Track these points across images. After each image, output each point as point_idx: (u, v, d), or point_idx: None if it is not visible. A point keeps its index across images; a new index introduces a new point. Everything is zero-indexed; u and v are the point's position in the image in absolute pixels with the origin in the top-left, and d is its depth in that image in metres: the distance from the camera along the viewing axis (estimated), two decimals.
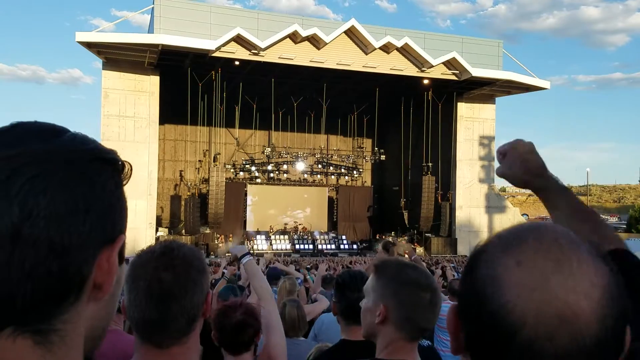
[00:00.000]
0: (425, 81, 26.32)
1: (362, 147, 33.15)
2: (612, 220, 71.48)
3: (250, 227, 29.27)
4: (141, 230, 23.02)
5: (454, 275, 7.79)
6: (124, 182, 0.58)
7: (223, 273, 6.26)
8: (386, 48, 24.97)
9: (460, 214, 28.20)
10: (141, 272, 1.13)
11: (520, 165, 1.16)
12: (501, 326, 0.55)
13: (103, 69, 23.88)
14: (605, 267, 0.56)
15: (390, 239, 28.10)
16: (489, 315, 0.56)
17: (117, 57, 22.96)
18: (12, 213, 0.47)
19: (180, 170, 30.01)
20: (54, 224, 0.48)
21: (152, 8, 23.09)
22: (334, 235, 30.21)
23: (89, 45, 21.79)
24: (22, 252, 0.47)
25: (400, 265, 1.58)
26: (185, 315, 1.12)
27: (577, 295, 0.53)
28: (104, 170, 0.54)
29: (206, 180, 26.58)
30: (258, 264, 6.17)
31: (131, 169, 0.59)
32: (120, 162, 0.57)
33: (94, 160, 0.53)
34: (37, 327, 0.49)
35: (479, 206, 28.57)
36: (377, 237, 30.05)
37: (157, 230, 24.79)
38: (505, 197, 39.49)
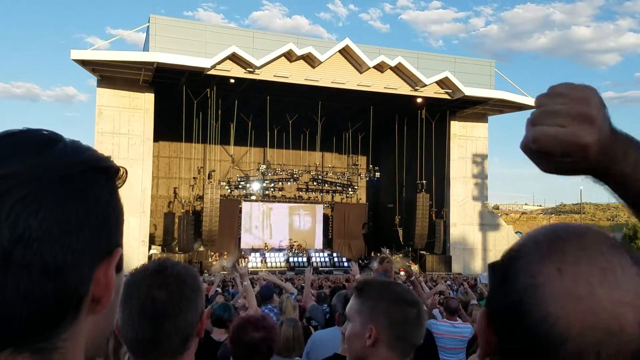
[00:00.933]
0: (419, 100, 26.55)
1: (357, 165, 33.24)
2: None
3: (244, 245, 29.12)
4: (134, 248, 22.85)
5: (449, 294, 7.75)
6: (119, 186, 0.57)
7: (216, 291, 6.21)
8: (380, 67, 25.23)
9: (455, 232, 28.21)
10: (134, 290, 1.11)
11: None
12: (544, 338, 0.51)
13: (98, 87, 23.93)
14: None
15: (387, 251, 28.04)
16: (530, 327, 0.52)
17: (112, 75, 23.04)
18: (3, 236, 0.45)
19: (175, 188, 29.92)
20: (47, 246, 0.46)
21: (148, 26, 23.27)
22: (329, 252, 30.10)
23: (84, 63, 21.86)
24: (15, 276, 0.45)
25: (384, 284, 1.57)
26: (179, 335, 1.10)
27: (624, 307, 0.50)
28: (97, 180, 0.52)
29: (200, 198, 26.50)
30: (254, 286, 6.13)
31: (126, 173, 0.58)
32: (114, 168, 0.56)
33: (87, 171, 0.51)
34: (36, 347, 0.48)
35: (473, 224, 28.60)
36: (372, 255, 29.97)
37: (149, 248, 24.60)
38: (499, 215, 39.61)
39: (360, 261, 29.41)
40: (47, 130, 0.54)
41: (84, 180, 0.51)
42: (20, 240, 0.45)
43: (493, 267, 0.60)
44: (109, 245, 0.53)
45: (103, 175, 0.53)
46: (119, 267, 0.56)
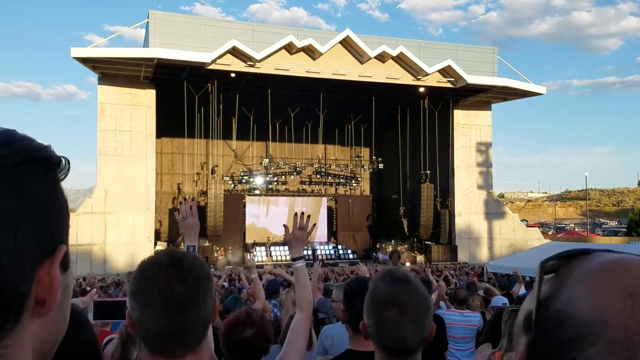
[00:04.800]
0: (421, 89, 26.41)
1: (360, 157, 33.17)
2: (612, 223, 71.53)
3: (249, 239, 29.16)
4: (140, 244, 22.94)
5: (456, 283, 7.72)
6: (61, 178, 0.51)
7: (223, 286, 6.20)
8: (381, 57, 25.08)
9: (460, 221, 28.16)
10: (151, 286, 1.11)
11: None
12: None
13: (99, 84, 23.90)
14: None
15: (391, 247, 28.06)
16: None
17: (112, 72, 23.00)
18: None
19: (178, 183, 29.95)
20: None
21: (147, 22, 23.18)
22: (333, 245, 30.13)
23: (85, 61, 21.82)
24: None
25: (377, 277, 1.49)
26: (201, 324, 1.12)
27: None
28: (34, 173, 0.47)
29: (204, 193, 26.53)
30: (261, 279, 6.12)
31: (69, 163, 0.51)
32: (55, 159, 0.50)
33: (22, 163, 0.47)
34: None
35: (478, 212, 28.55)
36: (378, 246, 29.98)
37: (155, 244, 24.67)
38: (504, 203, 39.51)
39: (374, 254, 29.45)
40: None
41: (18, 173, 0.46)
42: None
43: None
44: (52, 242, 0.49)
45: (42, 167, 0.49)
46: (65, 266, 0.52)
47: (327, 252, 28.97)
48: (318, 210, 31.52)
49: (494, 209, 29.02)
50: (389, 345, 1.39)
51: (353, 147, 32.78)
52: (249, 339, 2.03)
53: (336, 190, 32.77)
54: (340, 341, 3.04)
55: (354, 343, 1.97)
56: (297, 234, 2.39)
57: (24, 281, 0.45)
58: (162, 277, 1.11)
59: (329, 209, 32.19)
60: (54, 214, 0.49)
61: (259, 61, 23.17)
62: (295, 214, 2.50)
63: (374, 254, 29.11)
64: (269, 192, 30.96)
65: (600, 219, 77.37)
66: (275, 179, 30.53)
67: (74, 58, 21.31)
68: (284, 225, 2.45)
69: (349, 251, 29.87)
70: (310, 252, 28.12)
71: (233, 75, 23.73)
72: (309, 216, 2.53)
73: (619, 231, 55.92)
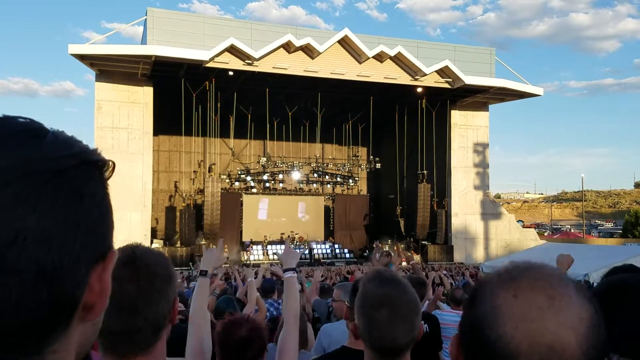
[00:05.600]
0: (419, 89, 26.43)
1: (358, 156, 33.19)
2: (608, 225, 71.74)
3: (246, 238, 29.16)
4: (130, 242, 22.83)
5: (452, 284, 7.74)
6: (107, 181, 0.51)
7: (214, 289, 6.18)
8: (379, 57, 25.09)
9: (456, 221, 28.22)
10: None
11: None
12: (499, 354, 0.60)
13: (96, 81, 23.83)
14: (590, 304, 0.62)
15: (386, 247, 28.09)
16: (489, 344, 0.61)
17: (110, 69, 22.94)
18: None
19: (175, 181, 29.91)
20: (44, 247, 0.42)
21: (145, 19, 23.13)
22: (330, 244, 30.14)
23: (82, 58, 21.76)
24: (7, 282, 0.40)
25: (367, 279, 1.50)
26: (151, 327, 1.10)
27: (566, 330, 0.59)
28: (92, 175, 0.48)
29: (201, 191, 26.49)
30: (255, 278, 6.12)
31: (114, 167, 0.52)
32: (106, 162, 0.50)
33: (81, 165, 0.46)
34: None
35: (475, 213, 28.61)
36: (374, 245, 30.01)
37: (152, 242, 24.63)
38: (501, 203, 39.58)
39: (375, 254, 29.46)
40: (26, 118, 0.48)
41: (79, 175, 0.46)
42: (14, 242, 0.41)
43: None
44: (104, 247, 0.49)
45: (97, 169, 0.49)
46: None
47: (324, 251, 28.98)
48: (315, 209, 31.54)
49: (491, 209, 29.09)
50: (379, 345, 1.40)
51: (350, 147, 32.80)
52: (244, 338, 2.03)
53: (333, 189, 32.78)
54: (338, 340, 3.05)
55: (352, 340, 1.99)
56: (291, 251, 2.50)
57: (79, 285, 0.45)
58: (115, 275, 1.11)
59: (326, 208, 32.21)
60: (106, 217, 0.49)
61: (257, 59, 23.15)
62: (287, 237, 2.65)
63: (376, 254, 29.07)
64: (266, 190, 30.95)
65: (596, 221, 77.65)
66: (273, 177, 30.53)
67: (72, 55, 21.24)
68: (286, 240, 2.61)
69: (346, 250, 29.89)
70: (307, 251, 28.15)
71: (231, 73, 23.70)
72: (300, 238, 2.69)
73: (614, 233, 56.12)
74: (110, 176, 0.52)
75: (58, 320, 0.44)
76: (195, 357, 2.01)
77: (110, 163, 0.52)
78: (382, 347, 1.41)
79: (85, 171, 0.47)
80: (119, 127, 23.62)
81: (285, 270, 2.43)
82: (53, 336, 0.45)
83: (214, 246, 2.57)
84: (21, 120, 0.47)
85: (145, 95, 24.26)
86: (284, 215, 30.52)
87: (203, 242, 25.29)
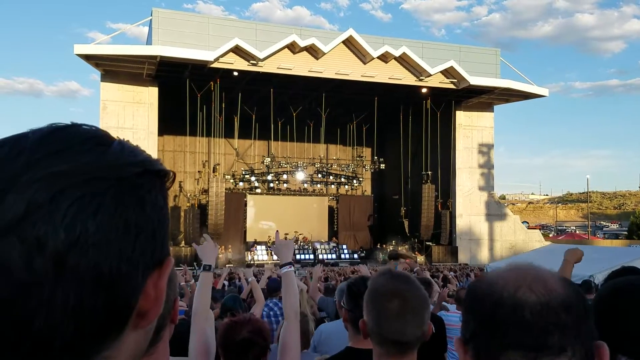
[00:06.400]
0: (424, 90, 26.39)
1: (362, 156, 33.15)
2: (613, 226, 71.40)
3: (250, 238, 29.18)
4: None
5: (457, 285, 7.72)
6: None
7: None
8: (384, 57, 25.07)
9: (461, 222, 28.15)
10: None
11: None
12: (501, 307, 0.78)
13: (101, 81, 23.93)
14: (572, 290, 0.78)
15: (391, 247, 28.06)
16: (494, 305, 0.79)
17: (115, 69, 23.03)
18: (57, 239, 0.40)
19: (180, 181, 29.96)
20: (104, 251, 0.42)
21: (150, 20, 23.20)
22: (334, 244, 30.12)
23: (88, 58, 21.84)
24: (66, 285, 0.40)
25: (376, 275, 1.51)
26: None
27: (527, 291, 0.78)
28: (154, 184, 0.49)
29: (206, 191, 26.53)
30: (259, 282, 6.12)
31: (174, 177, 0.53)
32: (167, 172, 0.51)
33: (145, 174, 0.48)
34: None
35: (479, 214, 28.53)
36: (379, 246, 29.97)
37: None
38: (505, 204, 39.46)
39: (359, 252, 29.42)
40: (91, 126, 0.50)
41: (142, 183, 0.47)
42: (76, 244, 0.41)
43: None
44: (162, 254, 0.49)
45: (158, 179, 0.50)
46: (169, 279, 0.53)
47: (328, 251, 28.95)
48: (319, 209, 31.53)
49: (495, 210, 29.01)
50: (389, 338, 1.39)
51: (355, 147, 32.76)
52: (245, 338, 2.03)
53: (337, 189, 32.77)
54: (329, 337, 3.05)
55: (356, 341, 1.99)
56: (283, 241, 2.43)
57: (135, 291, 0.45)
58: None
59: (330, 209, 32.20)
60: (164, 225, 0.50)
61: (262, 60, 23.18)
62: (277, 231, 2.61)
63: (380, 254, 29.03)
64: (270, 190, 30.97)
65: (602, 222, 77.26)
66: (277, 178, 30.55)
67: (77, 55, 21.32)
68: (277, 232, 2.53)
69: (350, 251, 29.86)
70: (310, 252, 28.16)
71: (235, 73, 23.74)
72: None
73: (620, 234, 55.80)
74: (171, 186, 0.53)
75: (112, 326, 0.44)
76: (199, 355, 2.00)
77: (172, 174, 0.53)
78: (392, 340, 1.40)
79: (148, 180, 0.48)
80: (124, 127, 23.70)
81: (281, 266, 2.38)
82: (106, 342, 0.45)
83: (203, 240, 2.52)
84: (86, 127, 0.49)
85: (150, 95, 24.34)
86: (288, 215, 30.47)
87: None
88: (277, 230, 2.65)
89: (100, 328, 0.43)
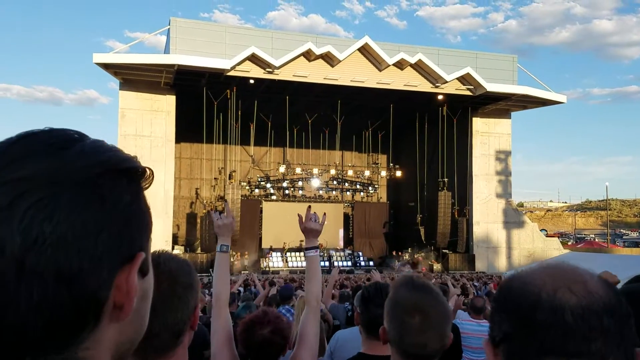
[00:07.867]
0: (440, 97, 26.28)
1: (377, 163, 33.08)
2: (633, 234, 70.03)
3: (265, 245, 29.22)
4: (157, 248, 23.09)
5: (474, 293, 7.64)
6: (145, 188, 0.55)
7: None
8: (400, 64, 25.05)
9: (478, 230, 27.86)
10: None
11: None
12: (539, 310, 0.73)
13: (120, 90, 24.29)
14: (613, 293, 0.72)
15: (407, 255, 27.89)
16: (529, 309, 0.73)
17: (133, 78, 23.36)
18: (14, 242, 0.43)
19: (196, 188, 30.20)
20: (62, 251, 0.45)
21: (168, 29, 23.53)
22: (350, 251, 30.02)
23: (107, 67, 22.21)
24: (28, 284, 0.44)
25: (398, 284, 1.50)
26: (169, 332, 1.11)
27: (568, 293, 0.72)
28: (117, 183, 0.50)
29: (222, 198, 26.69)
30: (274, 284, 6.13)
31: (152, 174, 0.55)
32: (138, 170, 0.53)
33: (105, 173, 0.49)
34: (56, 358, 0.46)
35: (497, 221, 28.21)
36: (394, 254, 29.81)
37: (173, 248, 24.87)
38: (523, 212, 38.97)
39: (396, 262, 29.23)
40: (71, 130, 0.52)
41: (102, 183, 0.49)
42: (33, 246, 0.44)
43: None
44: (131, 249, 0.51)
45: (124, 177, 0.51)
46: (144, 272, 0.54)
47: (344, 259, 28.85)
48: (335, 216, 31.46)
49: (513, 218, 28.66)
50: (410, 351, 1.40)
51: (370, 154, 32.71)
52: (266, 337, 2.03)
53: (353, 196, 32.71)
54: (344, 344, 3.04)
55: (368, 346, 1.98)
56: (310, 224, 2.31)
57: (102, 286, 0.48)
58: None
59: (346, 216, 32.13)
60: (134, 222, 0.51)
61: (278, 68, 23.33)
62: (309, 206, 2.47)
63: (396, 261, 28.87)
64: (285, 197, 31.03)
65: (621, 230, 75.86)
66: (292, 185, 30.62)
67: (96, 64, 21.70)
68: (299, 215, 2.35)
69: (365, 258, 29.72)
70: (326, 259, 28.09)
71: (252, 81, 23.93)
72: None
73: (639, 242, 54.69)
74: (148, 181, 0.55)
75: (83, 319, 0.47)
76: (225, 342, 2.02)
77: (147, 171, 0.54)
78: (413, 353, 1.40)
79: (109, 179, 0.49)
80: (142, 135, 24.00)
81: (306, 249, 2.27)
82: (82, 335, 0.47)
83: (220, 212, 2.41)
84: (59, 131, 0.51)
85: (167, 103, 24.63)
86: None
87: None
88: (310, 206, 2.51)
89: (71, 321, 0.46)
